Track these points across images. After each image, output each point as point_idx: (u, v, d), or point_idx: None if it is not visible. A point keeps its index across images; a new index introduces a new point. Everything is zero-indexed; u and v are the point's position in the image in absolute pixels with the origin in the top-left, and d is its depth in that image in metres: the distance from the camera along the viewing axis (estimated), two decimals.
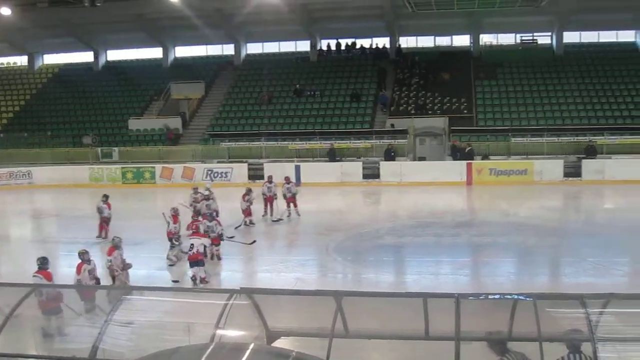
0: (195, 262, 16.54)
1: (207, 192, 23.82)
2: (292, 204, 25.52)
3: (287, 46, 48.65)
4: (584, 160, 34.62)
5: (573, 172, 34.44)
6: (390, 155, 36.00)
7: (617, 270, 17.96)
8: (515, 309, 8.24)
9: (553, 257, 20.19)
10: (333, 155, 36.59)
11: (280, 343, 8.97)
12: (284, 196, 25.35)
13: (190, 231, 18.27)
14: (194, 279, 16.55)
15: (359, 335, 8.64)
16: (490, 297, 8.46)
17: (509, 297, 8.36)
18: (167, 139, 41.41)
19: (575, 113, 39.25)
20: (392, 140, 37.10)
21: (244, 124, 41.74)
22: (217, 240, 19.14)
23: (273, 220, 24.97)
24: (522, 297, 8.04)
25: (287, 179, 26.03)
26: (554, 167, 34.54)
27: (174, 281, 17.37)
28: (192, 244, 16.63)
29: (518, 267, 19.29)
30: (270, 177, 26.13)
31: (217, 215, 21.01)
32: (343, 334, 8.38)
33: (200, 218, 19.87)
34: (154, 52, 50.27)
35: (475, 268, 19.27)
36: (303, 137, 38.75)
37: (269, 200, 25.30)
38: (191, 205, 23.19)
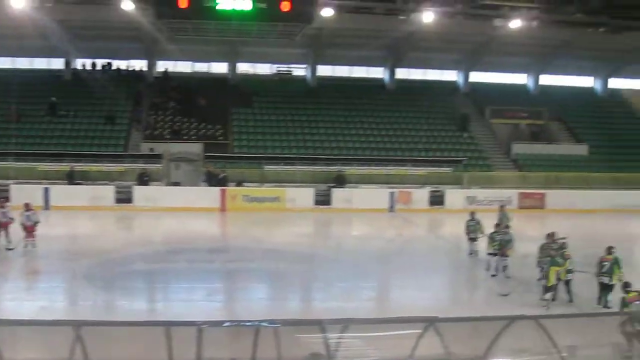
0: None
1: None
2: (31, 233, 22.93)
3: (40, 63, 46.16)
4: (333, 189, 36.15)
5: (323, 200, 35.85)
6: (144, 179, 35.25)
7: (363, 295, 18.85)
8: (258, 335, 8.27)
9: (304, 283, 20.76)
10: (71, 178, 35.05)
11: None
12: (22, 225, 22.71)
13: None
14: None
15: None
16: (233, 324, 8.47)
17: (250, 323, 8.41)
18: None
19: (327, 143, 41.00)
20: (147, 165, 36.40)
21: None
22: None
23: (7, 249, 22.77)
24: (265, 324, 8.12)
25: (27, 206, 23.40)
26: (305, 195, 35.70)
27: None
28: None
29: (270, 293, 19.65)
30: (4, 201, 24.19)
31: None
32: None
33: None
34: None
35: (228, 294, 19.34)
36: (53, 158, 36.80)
37: (3, 225, 23.24)
38: None
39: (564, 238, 18.97)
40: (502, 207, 26.04)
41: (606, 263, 16.90)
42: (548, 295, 16.98)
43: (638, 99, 50.42)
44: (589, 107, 48.65)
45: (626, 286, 14.91)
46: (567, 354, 8.84)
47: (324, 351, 7.67)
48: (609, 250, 17.13)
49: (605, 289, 16.78)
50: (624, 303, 14.36)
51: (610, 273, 16.72)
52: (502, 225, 21.50)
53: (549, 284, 16.95)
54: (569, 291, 17.59)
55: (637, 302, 14.13)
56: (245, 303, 17.79)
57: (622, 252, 17.59)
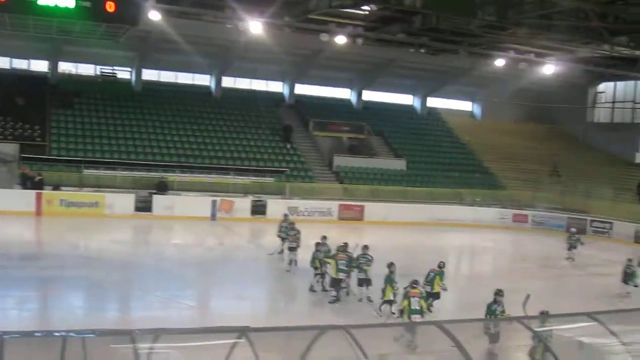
0: None
1: None
2: None
3: None
4: (155, 196, 35.80)
5: (144, 206, 35.41)
6: None
7: (182, 304, 18.94)
8: (65, 345, 8.16)
9: (122, 291, 20.61)
10: None
11: None
12: None
13: None
14: None
15: None
16: (39, 334, 8.37)
17: (58, 334, 8.34)
18: None
19: (149, 149, 40.44)
20: None
21: None
22: None
23: None
24: (72, 334, 8.10)
25: None
26: (125, 201, 35.12)
27: None
28: None
29: (87, 302, 19.32)
30: None
31: None
32: None
33: None
34: None
35: (41, 302, 18.82)
36: None
37: None
38: None
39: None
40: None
41: (432, 273, 18.40)
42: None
43: (453, 118, 53.64)
44: (409, 123, 51.26)
45: (415, 283, 16.21)
46: None
47: None
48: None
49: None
50: (406, 295, 16.04)
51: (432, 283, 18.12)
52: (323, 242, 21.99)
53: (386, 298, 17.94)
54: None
55: (416, 298, 15.86)
56: (59, 312, 17.39)
57: (436, 262, 18.84)
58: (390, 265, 18.02)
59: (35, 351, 8.74)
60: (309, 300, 20.60)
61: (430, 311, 17.35)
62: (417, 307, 15.73)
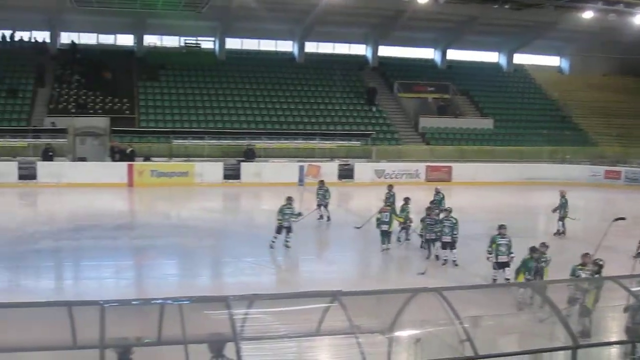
0: None
1: None
2: None
3: None
4: (242, 163, 36.15)
5: (232, 174, 35.85)
6: (49, 155, 34.39)
7: (273, 269, 19.06)
8: (163, 313, 8.35)
9: (213, 258, 20.82)
10: None
11: None
12: None
13: None
14: None
15: (1, 348, 8.16)
16: (137, 302, 8.48)
17: (155, 302, 8.45)
18: None
19: (235, 117, 40.82)
20: (51, 140, 35.48)
21: None
22: None
23: None
24: (169, 302, 8.18)
25: None
26: (214, 170, 35.62)
27: None
28: None
29: (179, 269, 19.63)
30: None
31: None
32: None
33: None
34: None
35: (136, 271, 19.23)
36: None
37: None
38: None
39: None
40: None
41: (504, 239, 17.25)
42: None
43: (541, 74, 52.13)
44: (495, 81, 50.20)
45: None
46: (470, 324, 9.15)
47: (229, 328, 7.77)
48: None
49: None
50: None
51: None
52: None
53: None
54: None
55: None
56: (153, 280, 17.75)
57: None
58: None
59: (134, 318, 8.89)
60: (397, 264, 20.45)
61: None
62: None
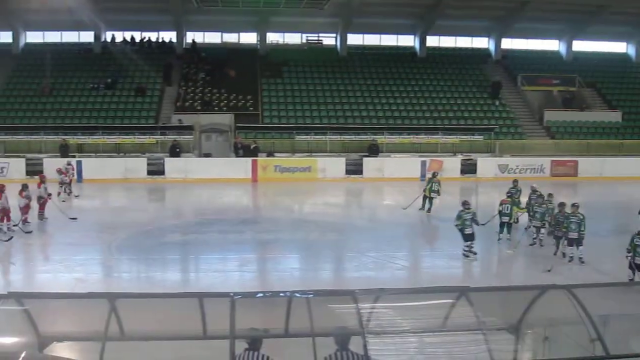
0: None
1: None
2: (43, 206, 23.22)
3: (70, 36, 46.26)
4: (365, 158, 36.07)
5: (355, 169, 35.83)
6: (176, 151, 35.44)
7: (395, 265, 18.79)
8: (290, 305, 8.31)
9: (335, 253, 20.76)
10: (65, 151, 34.96)
11: (54, 348, 8.44)
12: (39, 199, 22.90)
13: None
14: None
15: (135, 337, 8.33)
16: (265, 295, 8.47)
17: (283, 294, 8.41)
18: None
19: (357, 113, 40.79)
20: (178, 136, 36.57)
21: (21, 117, 39.15)
22: None
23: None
24: (297, 294, 8.12)
25: (43, 177, 23.96)
26: (337, 165, 35.69)
27: None
28: None
29: (301, 263, 19.67)
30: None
31: None
32: (118, 336, 8.05)
33: None
34: None
35: (260, 264, 19.41)
36: (85, 131, 37.08)
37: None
38: None
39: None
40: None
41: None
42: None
43: None
44: (623, 73, 48.00)
45: None
46: (600, 323, 8.69)
47: (356, 321, 7.65)
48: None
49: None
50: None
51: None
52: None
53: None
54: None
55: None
56: (277, 274, 17.86)
57: None
58: None
59: (262, 311, 8.89)
60: (522, 261, 19.79)
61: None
62: None
